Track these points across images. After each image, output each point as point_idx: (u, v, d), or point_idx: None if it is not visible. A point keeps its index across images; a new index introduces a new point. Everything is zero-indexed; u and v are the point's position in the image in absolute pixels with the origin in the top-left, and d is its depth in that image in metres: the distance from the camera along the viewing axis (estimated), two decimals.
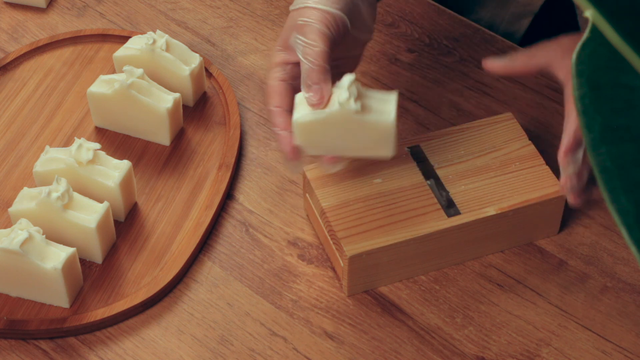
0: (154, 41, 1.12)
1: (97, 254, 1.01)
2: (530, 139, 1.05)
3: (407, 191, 1.01)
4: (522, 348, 0.97)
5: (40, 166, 1.04)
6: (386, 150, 0.93)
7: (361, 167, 1.03)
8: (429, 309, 1.00)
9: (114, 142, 1.12)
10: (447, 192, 1.01)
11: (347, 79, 0.91)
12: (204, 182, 1.08)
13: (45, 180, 1.03)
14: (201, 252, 1.04)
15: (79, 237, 1.00)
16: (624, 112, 0.57)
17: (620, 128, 0.56)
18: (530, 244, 1.04)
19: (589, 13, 0.54)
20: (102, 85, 1.09)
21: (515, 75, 1.12)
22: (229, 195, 1.09)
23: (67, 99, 1.16)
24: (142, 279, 1.01)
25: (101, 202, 1.00)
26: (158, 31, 1.13)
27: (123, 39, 1.20)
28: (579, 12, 1.19)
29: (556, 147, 0.97)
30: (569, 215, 1.06)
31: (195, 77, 1.13)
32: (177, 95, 1.09)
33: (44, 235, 0.96)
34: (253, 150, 1.12)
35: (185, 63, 1.12)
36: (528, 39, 1.24)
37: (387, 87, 1.17)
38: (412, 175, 1.03)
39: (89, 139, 1.11)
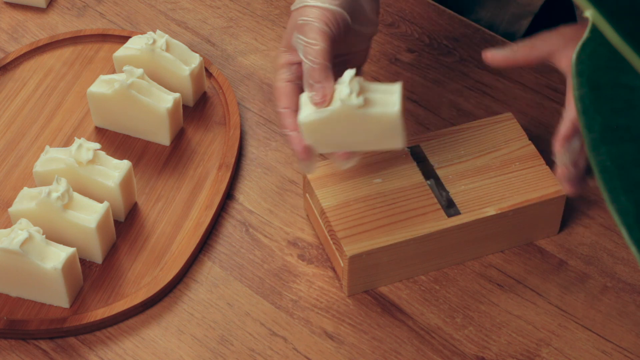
0: (154, 41, 1.12)
1: (97, 254, 1.01)
2: (530, 139, 1.05)
3: (407, 191, 1.01)
4: (522, 348, 0.97)
5: (40, 166, 1.04)
6: (396, 141, 0.92)
7: (361, 167, 1.03)
8: (429, 309, 1.00)
9: (114, 142, 1.12)
10: (447, 192, 1.01)
11: (348, 74, 0.91)
12: (204, 182, 1.08)
13: (45, 180, 1.03)
14: (201, 252, 1.04)
15: (79, 237, 1.00)
16: (624, 112, 0.57)
17: (620, 128, 0.56)
18: (530, 244, 1.04)
19: (589, 13, 0.54)
20: (102, 85, 1.09)
21: (517, 66, 1.11)
22: (229, 195, 1.09)
23: (67, 99, 1.16)
24: (142, 279, 1.01)
25: (101, 202, 1.00)
26: (158, 31, 1.13)
27: (123, 39, 1.20)
28: (579, 12, 1.19)
29: None
30: (569, 215, 1.06)
31: (195, 77, 1.13)
32: (177, 95, 1.09)
33: (44, 235, 0.96)
34: (253, 150, 1.12)
35: (185, 63, 1.12)
36: None
37: None
38: (412, 175, 1.03)
39: (89, 139, 1.11)
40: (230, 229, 1.06)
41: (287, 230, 1.06)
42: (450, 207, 1.00)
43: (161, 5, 1.26)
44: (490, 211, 1.00)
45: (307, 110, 0.91)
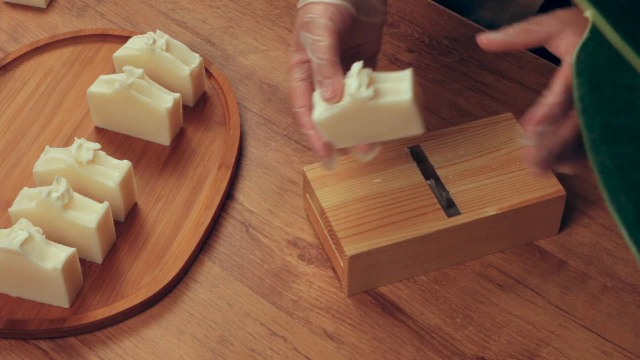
0: (154, 41, 1.12)
1: (97, 254, 1.01)
2: None
3: (407, 191, 1.01)
4: (522, 348, 0.97)
5: (40, 166, 1.04)
6: (414, 127, 0.91)
7: (361, 167, 1.03)
8: (429, 309, 1.00)
9: (114, 142, 1.12)
10: (447, 192, 1.01)
11: (355, 67, 0.90)
12: (204, 182, 1.08)
13: (45, 180, 1.03)
14: (201, 252, 1.04)
15: (79, 237, 1.00)
16: (624, 112, 0.57)
17: (620, 128, 0.56)
18: (530, 244, 1.04)
19: (589, 13, 0.54)
20: (102, 85, 1.09)
21: (513, 50, 1.09)
22: (229, 195, 1.09)
23: (67, 99, 1.16)
24: (142, 279, 1.01)
25: (101, 202, 1.00)
26: (158, 31, 1.13)
27: (123, 39, 1.20)
28: None
29: None
30: (569, 215, 1.06)
31: (195, 77, 1.13)
32: (177, 95, 1.09)
33: (44, 235, 0.96)
34: (253, 150, 1.12)
35: (185, 63, 1.12)
36: None
37: None
38: (412, 175, 1.03)
39: (89, 139, 1.11)
40: (230, 229, 1.06)
41: (287, 230, 1.06)
42: (450, 207, 1.00)
43: (161, 5, 1.26)
44: (490, 211, 1.00)
45: (320, 108, 0.90)
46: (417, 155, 1.04)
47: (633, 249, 0.53)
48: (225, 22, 1.25)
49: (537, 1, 1.23)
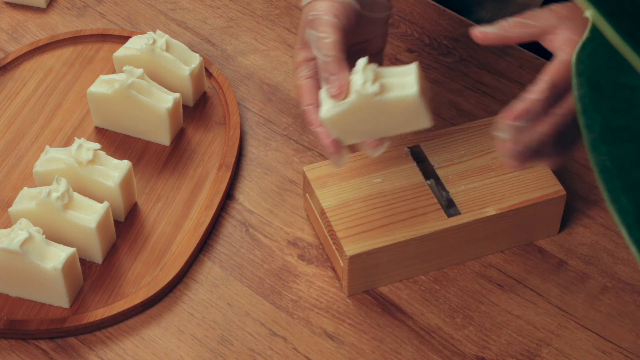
0: (154, 41, 1.12)
1: (97, 254, 1.01)
2: None
3: (407, 191, 1.01)
4: (522, 348, 0.97)
5: (40, 166, 1.04)
6: (422, 121, 0.91)
7: (361, 167, 1.03)
8: (429, 309, 1.00)
9: (114, 142, 1.12)
10: (447, 192, 1.01)
11: (360, 63, 0.90)
12: (204, 182, 1.08)
13: (45, 180, 1.03)
14: (201, 252, 1.04)
15: (79, 237, 1.00)
16: (624, 112, 0.57)
17: (620, 128, 0.56)
18: (530, 244, 1.04)
19: (589, 13, 0.54)
20: (102, 85, 1.09)
21: (507, 44, 1.08)
22: (229, 195, 1.09)
23: (67, 99, 1.16)
24: (142, 279, 1.01)
25: (101, 202, 1.00)
26: (158, 31, 1.13)
27: (123, 39, 1.20)
28: None
29: None
30: (569, 215, 1.06)
31: (195, 77, 1.13)
32: (177, 95, 1.09)
33: (44, 235, 0.96)
34: (253, 150, 1.12)
35: (185, 63, 1.12)
36: None
37: None
38: (412, 175, 1.03)
39: (89, 139, 1.11)
40: (230, 229, 1.06)
41: (287, 230, 1.06)
42: (450, 207, 1.00)
43: (161, 5, 1.26)
44: (490, 211, 1.00)
45: (327, 106, 0.90)
46: (417, 155, 1.04)
47: (633, 249, 0.53)
48: (225, 22, 1.25)
49: (536, 1, 1.23)
